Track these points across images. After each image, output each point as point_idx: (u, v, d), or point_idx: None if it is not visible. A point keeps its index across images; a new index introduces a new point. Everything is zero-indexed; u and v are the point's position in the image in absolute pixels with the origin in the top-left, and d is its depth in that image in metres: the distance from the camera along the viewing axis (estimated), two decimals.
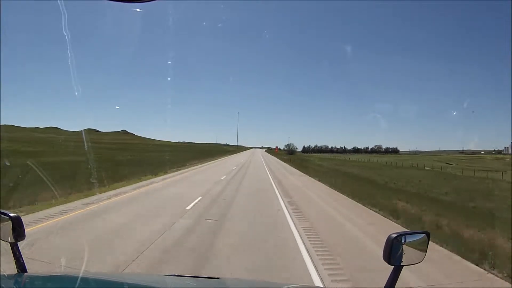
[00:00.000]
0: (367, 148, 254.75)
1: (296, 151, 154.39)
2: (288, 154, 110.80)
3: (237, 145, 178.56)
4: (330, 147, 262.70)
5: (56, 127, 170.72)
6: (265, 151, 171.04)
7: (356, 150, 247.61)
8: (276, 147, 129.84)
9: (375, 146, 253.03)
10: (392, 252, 1.36)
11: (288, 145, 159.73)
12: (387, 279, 1.38)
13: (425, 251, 1.48)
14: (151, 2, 1.07)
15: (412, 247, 1.43)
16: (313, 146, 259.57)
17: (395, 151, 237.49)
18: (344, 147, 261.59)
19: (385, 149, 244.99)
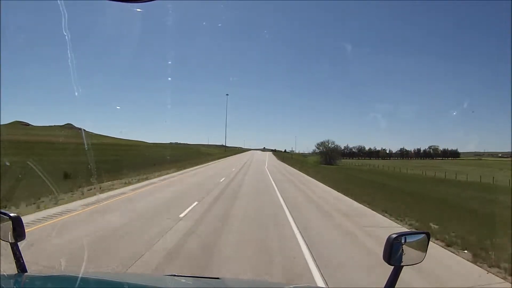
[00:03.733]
0: (418, 150, 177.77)
1: (337, 156, 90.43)
2: (323, 163, 70.86)
3: (225, 146, 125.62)
4: (367, 148, 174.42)
5: None
6: (273, 153, 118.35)
7: (404, 153, 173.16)
8: None
9: (429, 147, 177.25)
10: (392, 252, 1.36)
11: (322, 144, 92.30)
12: (387, 279, 1.39)
13: (425, 251, 1.48)
14: (151, 2, 1.06)
15: (412, 247, 1.43)
16: (342, 148, 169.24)
17: (455, 153, 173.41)
18: (389, 150, 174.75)
19: (442, 151, 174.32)
